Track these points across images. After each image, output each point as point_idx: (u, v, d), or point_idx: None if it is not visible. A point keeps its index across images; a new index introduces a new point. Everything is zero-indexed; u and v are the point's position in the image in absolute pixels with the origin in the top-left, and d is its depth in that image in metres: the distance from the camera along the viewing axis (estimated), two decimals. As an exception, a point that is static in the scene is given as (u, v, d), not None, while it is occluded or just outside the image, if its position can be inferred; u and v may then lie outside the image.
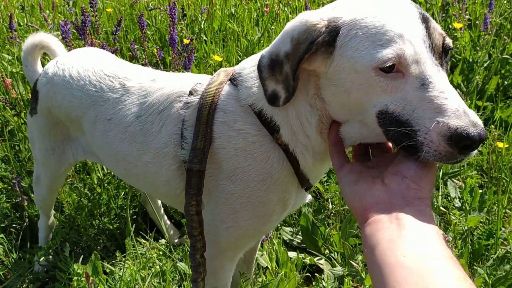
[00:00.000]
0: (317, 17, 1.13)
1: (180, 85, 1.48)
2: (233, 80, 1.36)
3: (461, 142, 0.96)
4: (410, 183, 1.02)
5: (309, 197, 1.54)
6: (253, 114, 1.30)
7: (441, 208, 2.32)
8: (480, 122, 0.98)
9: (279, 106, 1.21)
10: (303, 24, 1.13)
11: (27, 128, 2.08)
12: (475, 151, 1.01)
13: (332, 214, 2.59)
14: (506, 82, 3.47)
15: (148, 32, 3.75)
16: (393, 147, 1.23)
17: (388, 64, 1.02)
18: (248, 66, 1.34)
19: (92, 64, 1.73)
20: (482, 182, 2.67)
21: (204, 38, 3.66)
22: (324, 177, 2.70)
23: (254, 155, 1.32)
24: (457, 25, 3.36)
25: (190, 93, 1.42)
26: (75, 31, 2.99)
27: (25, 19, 4.43)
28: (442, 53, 1.08)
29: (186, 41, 2.75)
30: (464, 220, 2.05)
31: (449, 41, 1.10)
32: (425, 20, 1.07)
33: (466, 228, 2.08)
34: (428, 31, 1.05)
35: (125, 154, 1.56)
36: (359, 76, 1.08)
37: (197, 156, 1.33)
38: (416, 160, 1.04)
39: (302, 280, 2.17)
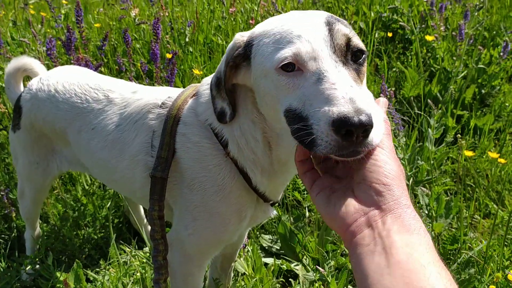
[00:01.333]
0: (242, 35, 1.27)
1: (155, 97, 1.59)
2: (196, 95, 1.48)
3: (341, 128, 0.94)
4: (377, 187, 0.99)
5: (273, 212, 1.61)
6: (209, 128, 1.41)
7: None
8: (367, 110, 0.96)
9: (226, 122, 1.32)
10: (232, 43, 1.27)
11: (10, 144, 2.15)
12: (369, 142, 0.98)
13: (311, 222, 2.68)
14: (483, 91, 3.57)
15: (137, 46, 3.85)
16: None
17: (285, 62, 1.09)
18: (206, 83, 1.46)
19: (76, 79, 1.84)
20: (457, 189, 2.76)
21: (191, 49, 3.76)
22: (302, 186, 2.79)
23: (208, 167, 1.42)
24: (429, 38, 3.47)
25: (161, 105, 1.54)
26: (62, 47, 3.09)
27: (18, 34, 4.53)
28: (347, 53, 1.12)
29: (168, 55, 2.84)
30: (430, 226, 2.14)
31: (356, 41, 1.13)
32: (329, 24, 1.13)
33: (432, 234, 2.17)
34: (331, 32, 1.11)
35: (105, 161, 1.68)
36: (267, 80, 1.16)
37: (160, 164, 1.44)
38: (322, 155, 1.04)
39: (278, 285, 2.26)
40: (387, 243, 0.90)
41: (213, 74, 1.43)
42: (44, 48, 3.44)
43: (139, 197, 1.70)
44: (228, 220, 1.47)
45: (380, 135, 1.02)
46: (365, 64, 1.17)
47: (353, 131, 0.94)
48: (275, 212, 1.65)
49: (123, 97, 1.69)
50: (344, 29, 1.13)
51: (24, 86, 2.13)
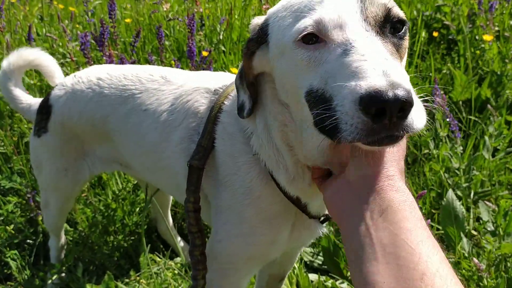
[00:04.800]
0: (259, 17, 1.13)
1: (210, 82, 1.47)
2: None
3: (371, 105, 0.77)
4: (363, 158, 0.93)
5: (322, 229, 1.42)
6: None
7: (472, 231, 2.19)
8: (405, 85, 0.78)
9: (243, 117, 1.18)
10: (250, 29, 1.14)
11: (30, 153, 1.97)
12: (409, 126, 0.80)
13: (342, 238, 2.49)
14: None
15: (166, 43, 3.70)
16: None
17: (306, 32, 0.92)
18: None
19: (120, 68, 1.72)
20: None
21: (223, 49, 3.60)
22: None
23: (237, 164, 1.28)
24: (487, 38, 3.23)
25: (214, 91, 1.43)
26: (93, 41, 2.95)
27: (44, 29, 4.43)
28: (384, 23, 0.93)
29: (204, 53, 2.68)
30: (498, 246, 1.92)
31: (396, 11, 0.94)
32: None
33: (500, 255, 1.95)
34: None
35: (154, 145, 1.54)
36: (285, 58, 1.00)
37: (199, 153, 1.32)
38: (367, 148, 0.90)
39: (323, 305, 2.07)
40: (369, 225, 0.88)
41: None
42: (73, 44, 3.32)
43: (182, 192, 1.51)
44: (256, 229, 1.31)
45: (424, 117, 0.84)
46: (407, 38, 0.97)
47: (386, 110, 0.76)
48: (325, 229, 1.46)
49: (183, 77, 1.56)
50: None
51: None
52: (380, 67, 0.80)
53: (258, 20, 1.13)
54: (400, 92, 0.76)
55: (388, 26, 0.93)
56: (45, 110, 1.79)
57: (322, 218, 1.38)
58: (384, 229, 0.85)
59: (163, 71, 1.62)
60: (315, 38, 0.92)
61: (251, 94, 1.16)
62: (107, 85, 1.65)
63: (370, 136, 0.81)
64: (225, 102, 1.34)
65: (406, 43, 0.97)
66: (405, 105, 0.77)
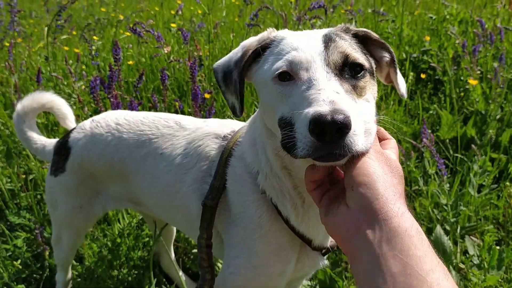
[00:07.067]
0: (272, 31, 1.32)
1: (220, 128, 1.63)
2: None
3: (316, 127, 0.94)
4: (361, 189, 0.95)
5: (323, 262, 1.54)
6: None
7: (460, 264, 2.31)
8: (346, 112, 0.94)
9: (238, 116, 1.33)
10: (262, 35, 1.32)
11: (46, 191, 2.06)
12: (348, 146, 0.96)
13: (350, 267, 2.59)
14: (520, 134, 3.50)
15: (168, 82, 3.87)
16: None
17: (280, 71, 1.14)
18: (248, 121, 1.51)
19: (136, 114, 1.86)
20: (500, 236, 2.67)
21: (222, 89, 3.75)
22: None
23: (246, 203, 1.43)
24: (472, 82, 3.44)
25: (223, 137, 1.58)
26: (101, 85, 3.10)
27: (48, 68, 4.59)
28: (343, 67, 1.14)
29: (207, 95, 2.84)
30: (484, 279, 2.04)
31: (354, 56, 1.15)
32: (328, 39, 1.18)
33: (485, 287, 2.07)
34: (326, 47, 1.15)
35: (169, 185, 1.67)
36: (267, 89, 1.21)
37: (212, 193, 1.47)
38: (318, 164, 1.05)
39: (320, 337, 2.16)
40: (378, 254, 0.87)
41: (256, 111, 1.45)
42: (79, 84, 3.47)
43: (196, 228, 1.62)
44: (266, 261, 1.44)
45: (366, 144, 1.00)
46: (365, 79, 1.17)
47: (326, 130, 0.93)
48: (326, 262, 1.58)
49: (194, 124, 1.72)
50: (342, 45, 1.17)
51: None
52: (329, 98, 0.99)
53: (270, 34, 1.32)
54: (338, 117, 0.93)
55: (346, 69, 1.15)
56: (63, 151, 1.91)
57: (323, 251, 1.51)
58: (394, 258, 0.85)
59: (177, 118, 1.78)
60: (288, 76, 1.14)
61: (241, 89, 1.30)
62: (126, 130, 1.79)
63: (316, 152, 0.98)
64: (234, 148, 1.49)
65: (363, 83, 1.16)
66: (340, 126, 0.94)
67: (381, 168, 0.99)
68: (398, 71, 1.34)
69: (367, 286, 0.87)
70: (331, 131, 0.94)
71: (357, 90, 1.13)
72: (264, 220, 1.41)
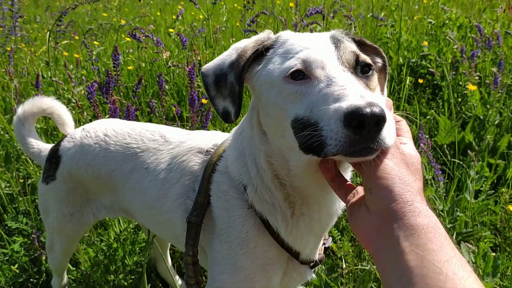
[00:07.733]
0: (271, 32, 1.31)
1: (203, 142, 1.61)
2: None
3: (352, 120, 0.91)
4: (378, 192, 0.97)
5: (311, 275, 1.53)
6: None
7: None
8: (380, 104, 0.93)
9: (231, 122, 1.28)
10: (260, 35, 1.30)
11: (39, 198, 2.08)
12: (382, 140, 0.95)
13: (345, 273, 2.59)
14: (518, 140, 3.49)
15: (166, 87, 3.89)
16: None
17: (295, 69, 1.11)
18: (233, 133, 1.48)
19: (126, 125, 1.86)
20: (497, 242, 2.66)
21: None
22: (337, 235, 2.71)
23: (233, 218, 1.40)
24: (471, 87, 3.44)
25: (206, 152, 1.56)
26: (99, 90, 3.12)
27: (49, 72, 4.62)
28: (356, 66, 1.15)
29: (204, 101, 2.86)
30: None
31: (363, 57, 1.17)
32: (335, 40, 1.18)
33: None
34: (338, 48, 1.15)
35: (154, 200, 1.66)
36: (274, 90, 1.16)
37: (196, 210, 1.45)
38: (349, 160, 1.05)
39: None
40: (398, 252, 0.91)
41: (245, 116, 1.42)
42: (78, 89, 3.50)
43: (182, 243, 1.63)
44: (252, 276, 1.42)
45: (394, 137, 1.00)
46: (374, 77, 1.19)
47: (365, 122, 0.91)
48: (313, 275, 1.56)
49: (179, 138, 1.70)
50: (351, 47, 1.19)
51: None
52: (358, 92, 0.97)
53: (270, 36, 1.31)
54: (376, 109, 0.91)
55: (358, 68, 1.16)
56: (54, 159, 1.92)
57: (311, 264, 1.50)
58: (411, 253, 0.89)
59: (163, 130, 1.77)
60: (301, 76, 1.11)
61: (240, 91, 1.24)
62: (113, 142, 1.79)
63: (351, 147, 0.94)
64: (218, 163, 1.48)
65: (373, 82, 1.18)
66: (380, 119, 0.92)
67: (398, 167, 1.00)
68: (387, 77, 1.35)
69: (389, 282, 0.91)
70: (370, 124, 0.91)
71: (369, 88, 1.15)
72: (251, 235, 1.38)
